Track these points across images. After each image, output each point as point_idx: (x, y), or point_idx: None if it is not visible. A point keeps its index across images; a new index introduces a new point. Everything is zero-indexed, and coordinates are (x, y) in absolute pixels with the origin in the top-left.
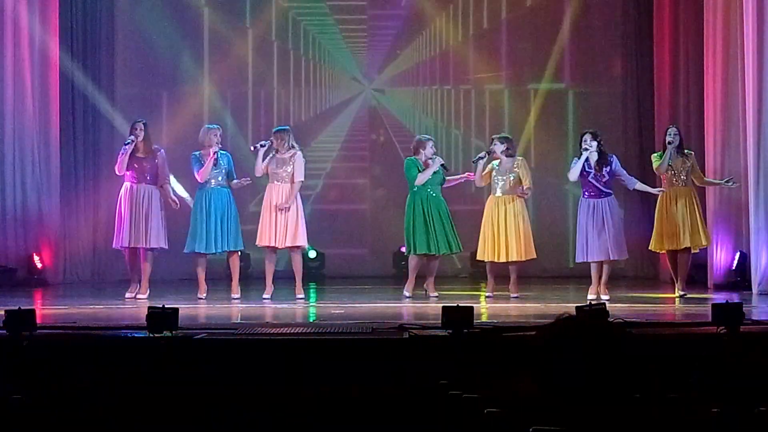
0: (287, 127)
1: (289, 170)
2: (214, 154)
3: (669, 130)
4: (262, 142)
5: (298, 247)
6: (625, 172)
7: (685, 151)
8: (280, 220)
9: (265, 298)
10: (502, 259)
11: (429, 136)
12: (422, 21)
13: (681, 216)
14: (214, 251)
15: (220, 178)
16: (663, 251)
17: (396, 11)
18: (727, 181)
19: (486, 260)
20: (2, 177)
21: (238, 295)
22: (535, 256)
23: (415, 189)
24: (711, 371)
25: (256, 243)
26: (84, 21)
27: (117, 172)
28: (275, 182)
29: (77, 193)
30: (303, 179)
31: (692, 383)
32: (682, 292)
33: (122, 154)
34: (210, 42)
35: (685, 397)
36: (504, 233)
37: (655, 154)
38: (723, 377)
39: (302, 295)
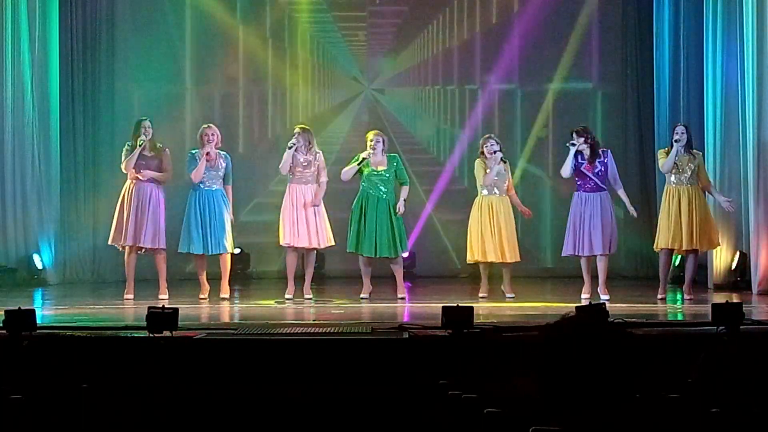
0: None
1: (313, 171)
2: (206, 154)
3: (677, 128)
4: (292, 142)
5: (320, 247)
6: (616, 172)
7: (693, 150)
8: (304, 220)
9: (287, 298)
10: (499, 260)
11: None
12: (422, 21)
13: (688, 216)
14: (210, 252)
15: (213, 179)
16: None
17: (396, 11)
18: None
19: (487, 261)
20: (2, 177)
21: (227, 295)
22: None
23: (361, 185)
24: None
25: (281, 242)
26: (84, 21)
27: (123, 170)
28: (299, 183)
29: (77, 192)
30: (327, 179)
31: (692, 383)
32: (687, 297)
33: (133, 153)
34: (210, 42)
35: (685, 397)
36: (500, 234)
37: (661, 150)
38: (723, 377)
39: (310, 295)
